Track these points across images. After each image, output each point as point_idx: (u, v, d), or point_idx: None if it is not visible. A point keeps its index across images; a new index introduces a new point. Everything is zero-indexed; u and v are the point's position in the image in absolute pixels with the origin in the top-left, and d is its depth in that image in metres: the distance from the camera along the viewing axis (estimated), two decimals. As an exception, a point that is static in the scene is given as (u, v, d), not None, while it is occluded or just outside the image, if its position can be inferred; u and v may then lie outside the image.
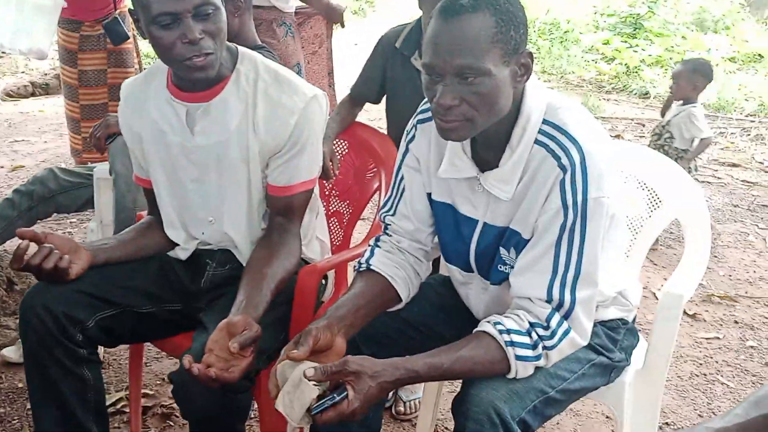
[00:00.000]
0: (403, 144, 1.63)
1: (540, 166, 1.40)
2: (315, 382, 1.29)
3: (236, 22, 2.26)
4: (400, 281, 1.59)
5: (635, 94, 7.19)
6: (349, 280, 1.71)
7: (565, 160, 1.37)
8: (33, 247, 1.59)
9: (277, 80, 1.69)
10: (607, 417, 2.36)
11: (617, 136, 5.64)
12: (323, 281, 1.85)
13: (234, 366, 1.41)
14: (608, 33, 9.04)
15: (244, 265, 1.69)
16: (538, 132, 1.41)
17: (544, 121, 1.41)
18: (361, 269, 1.60)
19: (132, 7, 1.58)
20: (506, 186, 1.44)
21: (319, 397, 1.29)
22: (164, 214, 1.81)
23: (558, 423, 2.33)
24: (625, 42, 8.65)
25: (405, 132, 1.63)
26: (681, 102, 3.89)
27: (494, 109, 1.35)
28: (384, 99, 2.33)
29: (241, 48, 1.72)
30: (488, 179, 1.46)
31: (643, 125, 6.07)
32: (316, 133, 1.71)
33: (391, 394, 2.32)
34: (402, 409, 2.31)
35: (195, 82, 1.62)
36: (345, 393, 1.28)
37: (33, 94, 6.65)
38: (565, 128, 1.40)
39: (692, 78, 3.82)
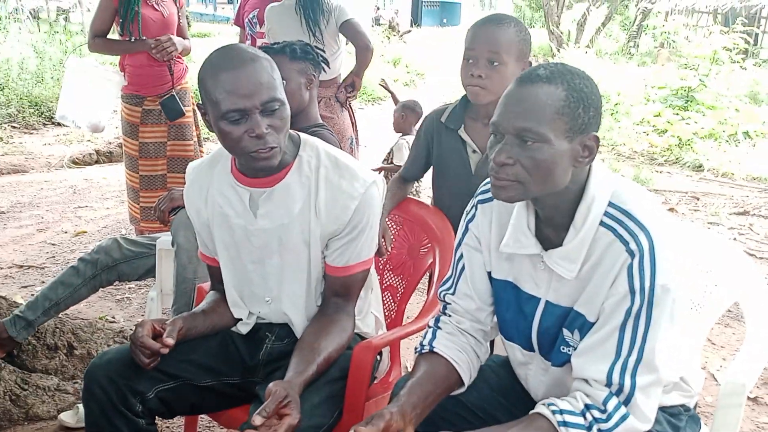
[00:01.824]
0: (462, 223, 1.66)
1: (607, 250, 1.41)
2: None
3: (307, 96, 2.36)
4: (463, 365, 1.59)
5: (688, 166, 7.13)
6: (403, 355, 1.72)
7: (633, 246, 1.38)
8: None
9: (337, 166, 1.74)
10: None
11: (671, 209, 5.58)
12: (378, 357, 1.86)
13: (276, 427, 1.43)
14: (660, 105, 9.03)
15: None
16: (605, 215, 1.42)
17: (611, 204, 1.42)
18: (423, 351, 1.61)
19: (200, 102, 1.66)
20: (570, 265, 1.45)
21: None
22: (228, 292, 1.87)
23: None
24: (677, 114, 8.63)
25: (465, 212, 1.66)
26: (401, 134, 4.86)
27: (548, 178, 1.37)
28: (430, 172, 2.40)
29: (303, 135, 1.79)
30: (552, 257, 1.47)
31: (698, 199, 6.00)
32: (375, 216, 1.76)
33: None
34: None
35: (259, 170, 1.69)
36: None
37: (97, 162, 6.95)
38: (633, 213, 1.41)
39: (403, 113, 4.83)
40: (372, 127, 7.82)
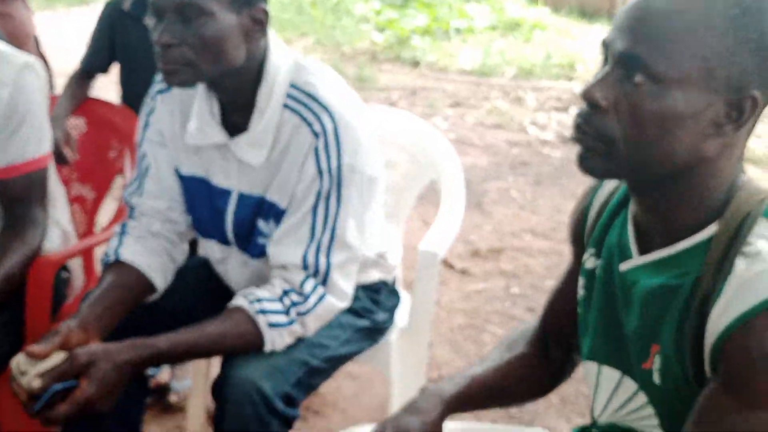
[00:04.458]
0: (142, 117, 1.53)
1: (294, 134, 1.38)
2: None
3: None
4: (155, 270, 1.49)
5: (408, 62, 7.44)
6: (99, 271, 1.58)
7: (317, 127, 1.36)
8: None
9: None
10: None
11: (392, 105, 5.80)
12: (64, 276, 1.69)
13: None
14: (379, 3, 9.27)
15: None
16: (288, 97, 1.38)
17: (294, 86, 1.39)
18: (109, 261, 1.48)
19: None
20: (258, 150, 1.40)
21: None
22: None
23: (338, 387, 2.35)
24: (396, 12, 8.91)
25: (144, 104, 1.53)
26: None
27: (219, 56, 1.29)
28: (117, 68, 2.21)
29: None
30: (239, 144, 1.41)
31: (415, 93, 6.30)
32: (36, 105, 1.55)
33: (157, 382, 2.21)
34: (175, 398, 2.21)
35: None
36: (73, 382, 1.18)
37: None
38: (315, 94, 1.39)
39: None
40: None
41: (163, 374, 2.24)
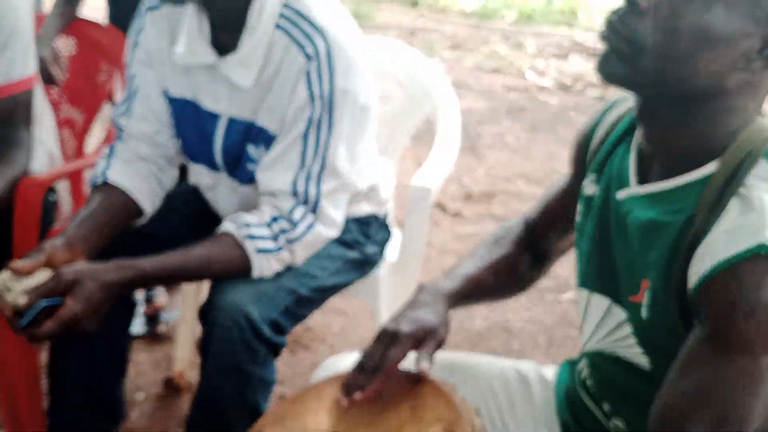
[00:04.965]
0: (131, 36, 1.49)
1: (285, 55, 1.34)
2: None
3: None
4: (142, 193, 1.47)
5: (407, 2, 7.30)
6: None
7: (310, 49, 1.32)
8: None
9: None
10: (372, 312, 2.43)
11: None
12: (51, 199, 1.67)
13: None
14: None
15: None
16: (281, 17, 1.34)
17: (286, 6, 1.35)
18: (96, 183, 1.46)
19: None
20: (247, 71, 1.36)
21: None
22: None
23: (326, 323, 2.36)
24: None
25: (132, 23, 1.48)
26: None
27: None
28: None
29: None
30: (228, 63, 1.37)
31: (413, 34, 6.20)
32: (20, 21, 1.50)
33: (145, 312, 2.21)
34: (164, 329, 2.21)
35: None
36: (58, 299, 1.17)
37: None
38: (308, 15, 1.34)
39: None
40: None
41: (160, 299, 2.23)
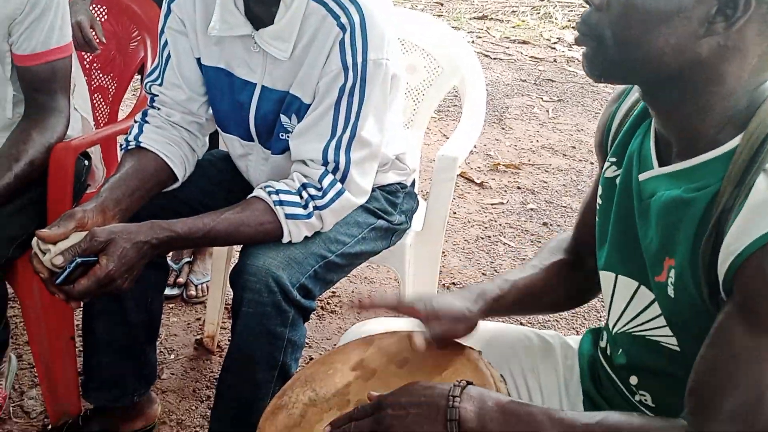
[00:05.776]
0: (165, 5, 1.50)
1: (320, 26, 1.36)
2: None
3: None
4: (175, 159, 1.50)
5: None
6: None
7: (344, 20, 1.34)
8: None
9: None
10: (398, 281, 2.46)
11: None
12: (85, 162, 1.70)
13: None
14: None
15: None
16: None
17: None
18: (129, 147, 1.49)
19: None
20: (283, 44, 1.38)
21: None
22: None
23: (354, 290, 2.40)
24: None
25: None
26: None
27: None
28: None
29: None
30: (263, 37, 1.39)
31: (442, 4, 6.15)
32: None
33: (177, 279, 2.25)
34: (193, 292, 2.26)
35: None
36: (94, 258, 1.21)
37: None
38: None
39: None
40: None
41: (182, 276, 2.28)
